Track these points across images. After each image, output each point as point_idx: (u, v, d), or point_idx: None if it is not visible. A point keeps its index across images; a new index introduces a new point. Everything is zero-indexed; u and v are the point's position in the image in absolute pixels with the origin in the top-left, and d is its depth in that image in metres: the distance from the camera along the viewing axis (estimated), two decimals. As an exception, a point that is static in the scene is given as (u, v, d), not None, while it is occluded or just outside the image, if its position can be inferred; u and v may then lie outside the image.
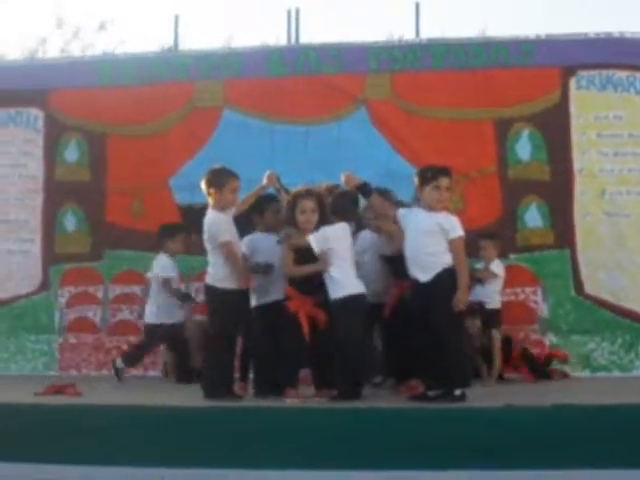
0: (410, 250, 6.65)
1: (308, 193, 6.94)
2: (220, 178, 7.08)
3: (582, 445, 5.43)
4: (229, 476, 5.64)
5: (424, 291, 6.51)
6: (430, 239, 6.60)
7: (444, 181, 6.75)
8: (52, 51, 21.39)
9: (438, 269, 6.53)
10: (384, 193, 7.40)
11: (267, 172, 7.40)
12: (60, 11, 24.73)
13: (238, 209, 7.26)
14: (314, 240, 6.79)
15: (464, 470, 5.43)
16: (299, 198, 6.93)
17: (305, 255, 6.85)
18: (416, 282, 6.58)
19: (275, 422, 5.87)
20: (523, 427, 5.56)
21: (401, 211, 6.93)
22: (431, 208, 6.70)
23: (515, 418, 5.68)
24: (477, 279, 8.13)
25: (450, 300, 6.45)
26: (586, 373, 8.69)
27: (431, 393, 6.49)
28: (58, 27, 22.48)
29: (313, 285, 6.82)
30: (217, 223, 7.02)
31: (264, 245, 7.37)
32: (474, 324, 7.96)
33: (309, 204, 6.89)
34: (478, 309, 8.01)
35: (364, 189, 7.07)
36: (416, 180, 6.90)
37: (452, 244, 6.62)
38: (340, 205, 7.09)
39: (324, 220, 6.88)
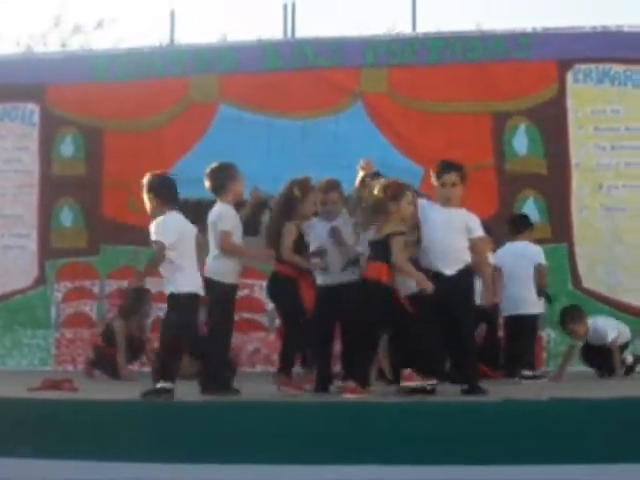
0: (440, 244, 6.56)
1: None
2: (225, 174, 7.00)
3: (578, 439, 5.42)
4: (227, 471, 5.62)
5: (447, 284, 6.46)
6: (458, 235, 6.60)
7: (448, 177, 6.69)
8: (51, 49, 21.19)
9: (461, 265, 6.55)
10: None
11: (251, 189, 7.07)
12: (59, 10, 24.48)
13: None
14: None
15: (462, 465, 5.42)
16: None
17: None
18: (438, 275, 6.52)
19: (277, 417, 5.85)
20: (521, 421, 5.55)
21: (422, 202, 6.80)
22: (443, 205, 6.67)
23: (513, 412, 5.67)
24: None
25: (471, 296, 6.57)
26: (583, 367, 8.68)
27: (428, 386, 6.46)
28: (56, 25, 22.33)
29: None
30: (223, 214, 6.89)
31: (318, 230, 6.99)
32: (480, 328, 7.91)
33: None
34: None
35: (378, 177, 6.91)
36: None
37: (474, 243, 6.64)
38: None
39: None
